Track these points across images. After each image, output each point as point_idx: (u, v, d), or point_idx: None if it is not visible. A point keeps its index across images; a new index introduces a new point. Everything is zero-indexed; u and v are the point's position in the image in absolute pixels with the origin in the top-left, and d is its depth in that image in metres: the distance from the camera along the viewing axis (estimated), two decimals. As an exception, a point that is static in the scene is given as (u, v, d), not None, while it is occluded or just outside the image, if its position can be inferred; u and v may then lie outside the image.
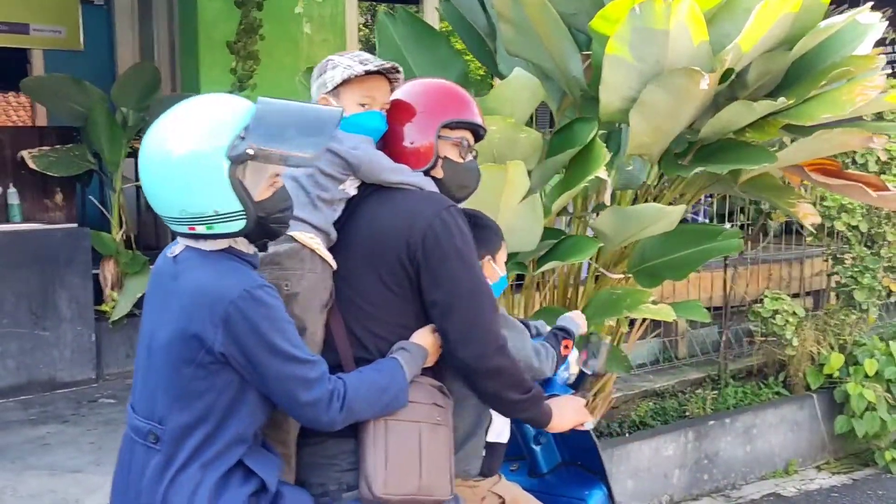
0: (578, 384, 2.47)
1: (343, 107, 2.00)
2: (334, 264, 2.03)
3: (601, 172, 3.11)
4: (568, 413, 2.22)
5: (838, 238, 5.15)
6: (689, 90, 3.06)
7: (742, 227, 5.31)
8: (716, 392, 5.02)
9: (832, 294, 5.44)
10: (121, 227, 5.37)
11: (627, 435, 4.44)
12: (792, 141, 3.65)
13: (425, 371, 2.04)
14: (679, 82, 3.04)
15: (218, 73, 5.80)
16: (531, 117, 3.51)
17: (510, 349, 2.06)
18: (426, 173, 2.10)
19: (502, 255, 2.35)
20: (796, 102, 3.31)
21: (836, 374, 5.12)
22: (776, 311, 4.88)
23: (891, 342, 5.12)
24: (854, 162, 5.09)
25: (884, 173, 5.18)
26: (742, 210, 5.36)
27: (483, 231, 2.25)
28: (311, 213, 2.03)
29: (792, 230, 6.02)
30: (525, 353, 2.27)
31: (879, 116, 5.51)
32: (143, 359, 1.90)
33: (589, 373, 2.46)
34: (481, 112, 2.20)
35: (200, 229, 1.81)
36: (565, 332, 2.46)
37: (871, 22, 3.49)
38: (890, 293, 5.35)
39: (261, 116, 1.77)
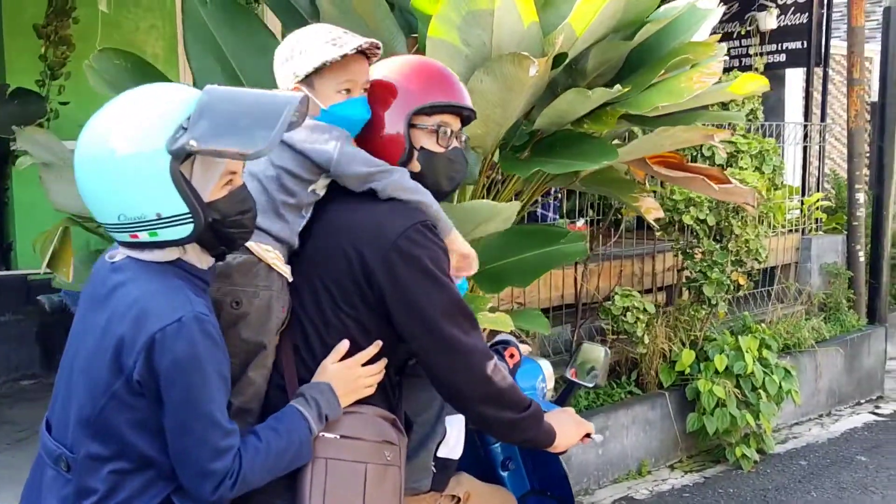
0: (565, 398, 2.31)
1: (320, 97, 1.82)
2: (290, 277, 1.81)
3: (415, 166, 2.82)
4: (569, 427, 2.04)
5: (688, 232, 5.07)
6: (519, 77, 2.81)
7: (592, 222, 5.17)
8: (568, 394, 4.85)
9: (683, 289, 5.36)
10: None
11: (474, 445, 4.19)
12: (644, 132, 3.49)
13: (376, 400, 1.86)
14: (508, 69, 2.78)
15: (27, 61, 5.23)
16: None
17: (499, 366, 1.87)
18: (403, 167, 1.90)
19: None
20: (635, 91, 3.12)
21: (688, 370, 5.04)
22: (627, 309, 4.74)
23: (739, 337, 5.09)
24: (702, 155, 5.02)
25: (730, 165, 5.14)
26: (592, 205, 5.21)
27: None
28: (272, 221, 1.79)
29: (644, 225, 5.93)
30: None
31: (724, 107, 5.50)
32: (66, 371, 1.68)
33: (590, 385, 2.30)
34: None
35: (143, 236, 1.58)
36: (504, 343, 2.26)
37: (709, 8, 3.35)
38: (739, 287, 5.32)
39: (206, 106, 1.54)
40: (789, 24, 6.94)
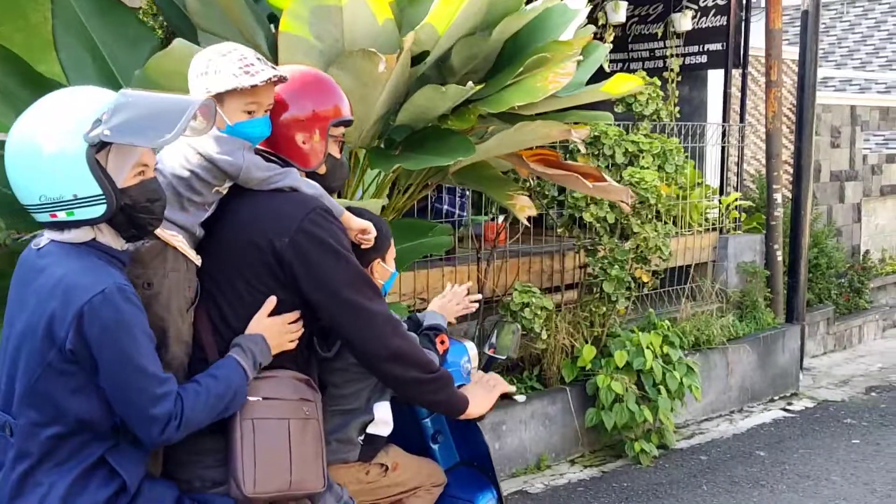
0: (486, 370, 2.50)
1: (227, 113, 2.04)
2: (198, 261, 2.04)
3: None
4: (481, 394, 2.28)
5: (591, 230, 5.13)
6: (374, 73, 2.85)
7: (493, 218, 5.22)
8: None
9: (587, 286, 5.42)
10: None
11: (363, 439, 4.22)
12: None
13: (292, 365, 2.09)
14: (360, 65, 2.82)
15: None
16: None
17: (404, 331, 2.12)
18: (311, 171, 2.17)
19: (391, 254, 2.37)
20: (493, 89, 3.17)
21: (590, 366, 5.11)
22: (525, 305, 4.79)
23: (641, 333, 5.16)
24: (603, 154, 5.09)
25: (631, 164, 5.21)
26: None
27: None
28: (177, 212, 2.02)
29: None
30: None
31: (628, 107, 5.56)
32: (3, 349, 1.87)
33: (502, 358, 2.51)
34: None
35: (61, 215, 1.78)
36: (436, 329, 2.46)
37: (578, 7, 3.40)
38: (642, 284, 5.39)
39: (121, 104, 1.77)
40: (710, 25, 7.04)
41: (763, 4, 6.92)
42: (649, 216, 5.03)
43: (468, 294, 2.64)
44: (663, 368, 5.12)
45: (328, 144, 2.19)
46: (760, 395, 6.63)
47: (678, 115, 6.71)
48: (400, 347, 2.09)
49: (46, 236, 1.86)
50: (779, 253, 7.19)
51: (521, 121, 3.24)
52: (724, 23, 6.89)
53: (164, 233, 1.97)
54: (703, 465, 5.20)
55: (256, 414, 1.98)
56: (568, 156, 5.18)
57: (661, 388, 5.10)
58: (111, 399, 1.78)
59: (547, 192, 5.18)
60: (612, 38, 6.11)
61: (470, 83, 2.96)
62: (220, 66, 2.05)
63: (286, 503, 2.03)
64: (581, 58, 3.09)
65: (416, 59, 3.08)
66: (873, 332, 9.08)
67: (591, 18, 6.38)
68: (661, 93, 5.58)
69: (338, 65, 2.83)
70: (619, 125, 5.24)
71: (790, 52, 7.80)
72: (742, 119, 7.07)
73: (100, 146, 1.76)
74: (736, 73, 7.08)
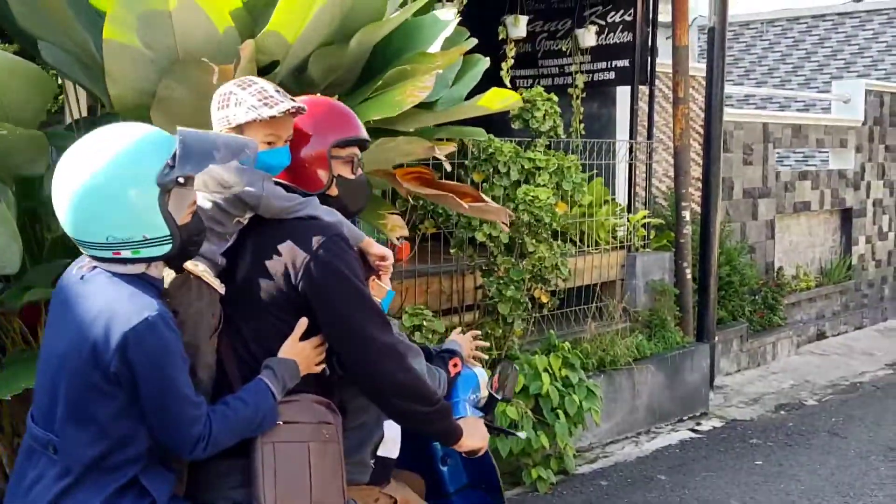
0: (489, 408, 2.54)
1: None
2: (222, 290, 2.11)
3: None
4: (476, 433, 2.34)
5: (488, 250, 4.97)
6: (212, 84, 2.63)
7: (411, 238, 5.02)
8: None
9: (485, 308, 5.25)
10: None
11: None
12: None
13: (312, 388, 2.15)
14: (196, 75, 2.60)
15: None
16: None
17: (409, 364, 2.17)
18: (323, 194, 2.23)
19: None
20: (354, 102, 2.98)
21: (486, 390, 4.92)
22: (416, 328, 4.60)
23: (537, 356, 5.00)
24: (497, 171, 4.93)
25: (528, 181, 5.06)
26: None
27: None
28: (204, 245, 2.06)
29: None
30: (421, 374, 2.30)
31: (526, 123, 5.42)
32: (43, 372, 1.97)
33: (499, 398, 2.55)
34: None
35: (126, 254, 1.88)
36: (451, 353, 2.53)
37: (447, 19, 3.24)
38: (542, 305, 5.25)
39: (185, 146, 1.87)
40: (617, 42, 6.98)
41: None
42: (544, 235, 4.88)
43: (475, 340, 2.70)
44: (562, 392, 4.97)
45: (333, 165, 2.24)
46: (669, 416, 6.54)
47: (583, 132, 6.61)
48: (404, 382, 2.15)
49: (90, 264, 1.95)
50: (688, 270, 7.13)
51: (385, 136, 3.06)
52: (631, 39, 6.83)
53: (189, 263, 2.07)
54: (603, 490, 5.06)
55: (277, 437, 2.06)
56: (463, 172, 5.03)
57: (560, 412, 4.94)
58: (148, 419, 1.90)
59: (441, 211, 5.00)
60: (513, 53, 5.99)
61: (318, 96, 2.77)
62: (240, 98, 2.14)
63: None
64: (440, 71, 2.91)
65: (267, 69, 2.87)
66: (787, 349, 9.10)
67: (492, 33, 6.26)
68: (559, 109, 5.45)
69: (171, 75, 2.61)
70: (514, 141, 5.11)
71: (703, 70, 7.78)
72: (650, 136, 7.01)
73: (170, 187, 1.87)
74: (645, 90, 7.02)
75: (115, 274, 1.92)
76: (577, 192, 5.15)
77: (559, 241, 5.14)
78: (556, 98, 5.45)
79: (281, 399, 2.08)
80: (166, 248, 1.90)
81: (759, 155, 9.10)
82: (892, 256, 11.73)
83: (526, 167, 4.98)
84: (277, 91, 2.16)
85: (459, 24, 3.40)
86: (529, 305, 5.00)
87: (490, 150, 4.89)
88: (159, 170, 1.85)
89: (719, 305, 8.14)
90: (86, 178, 1.83)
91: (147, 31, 2.55)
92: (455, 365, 2.51)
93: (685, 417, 6.66)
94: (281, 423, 2.07)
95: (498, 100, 3.53)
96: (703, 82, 7.11)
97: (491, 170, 4.93)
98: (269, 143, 2.14)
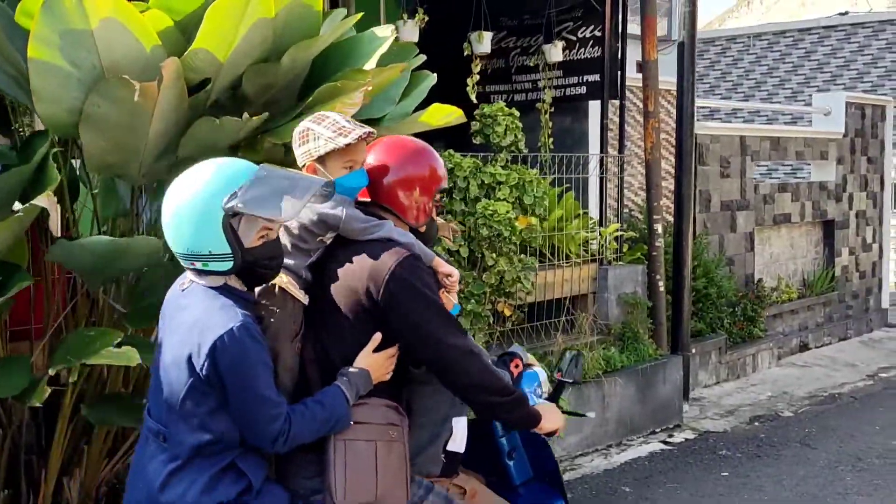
0: (556, 396, 2.80)
1: (329, 171, 2.39)
2: (305, 300, 2.38)
3: (41, 199, 2.65)
4: (553, 416, 2.59)
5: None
6: (140, 102, 2.68)
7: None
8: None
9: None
10: None
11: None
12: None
13: (382, 393, 2.38)
14: (121, 93, 2.64)
15: None
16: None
17: (485, 361, 2.44)
18: (414, 227, 2.53)
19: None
20: (286, 119, 3.02)
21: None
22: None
23: (498, 369, 5.02)
24: (456, 186, 4.97)
25: (488, 196, 5.10)
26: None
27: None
28: (288, 257, 2.36)
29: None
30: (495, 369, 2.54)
31: (486, 138, 5.46)
32: (155, 374, 2.28)
33: (569, 381, 2.81)
34: None
35: (198, 265, 2.18)
36: (511, 356, 2.80)
37: (384, 36, 3.29)
38: (505, 318, 5.27)
39: (258, 179, 2.16)
40: (588, 57, 7.03)
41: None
42: (504, 249, 4.91)
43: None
44: (523, 404, 4.98)
45: (432, 207, 2.57)
46: (641, 428, 6.54)
47: (552, 147, 6.65)
48: (482, 378, 2.41)
49: (189, 278, 2.27)
50: (661, 283, 7.15)
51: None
52: (600, 54, 6.88)
53: (278, 278, 2.33)
54: (566, 503, 5.06)
55: (348, 436, 2.31)
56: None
57: (521, 424, 4.95)
58: (234, 417, 2.18)
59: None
60: (478, 69, 6.03)
61: (245, 115, 2.82)
62: (317, 133, 2.41)
63: None
64: (369, 88, 2.95)
65: (199, 87, 2.92)
66: (767, 361, 9.10)
67: (458, 49, 6.32)
68: (520, 124, 5.50)
69: (97, 92, 2.65)
70: (480, 157, 5.16)
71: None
72: (621, 149, 7.05)
73: (233, 213, 2.12)
74: (618, 104, 7.07)
75: (208, 287, 2.22)
76: (539, 205, 5.18)
77: (523, 255, 5.16)
78: (517, 113, 5.50)
79: (354, 402, 2.34)
80: (228, 265, 2.17)
81: (737, 168, 9.13)
82: (877, 268, 11.75)
83: (486, 182, 5.01)
84: (348, 121, 2.44)
85: (426, 41, 3.45)
86: (492, 319, 5.02)
87: (449, 166, 4.93)
88: (224, 198, 2.13)
89: (697, 318, 8.15)
90: (176, 198, 2.17)
91: (71, 50, 2.60)
92: (517, 366, 2.77)
93: (658, 430, 6.67)
94: (352, 423, 2.32)
95: (440, 115, 3.58)
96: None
97: (451, 185, 4.96)
98: (347, 168, 2.41)
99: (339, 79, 3.06)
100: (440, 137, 6.44)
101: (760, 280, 9.52)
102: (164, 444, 2.23)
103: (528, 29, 7.22)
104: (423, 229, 2.57)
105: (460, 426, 2.61)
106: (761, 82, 15.88)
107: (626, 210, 7.84)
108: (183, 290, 2.27)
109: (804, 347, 10.04)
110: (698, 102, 14.01)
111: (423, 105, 3.60)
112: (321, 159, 2.40)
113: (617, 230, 6.92)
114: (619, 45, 6.94)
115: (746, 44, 16.05)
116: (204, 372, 2.13)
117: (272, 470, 2.37)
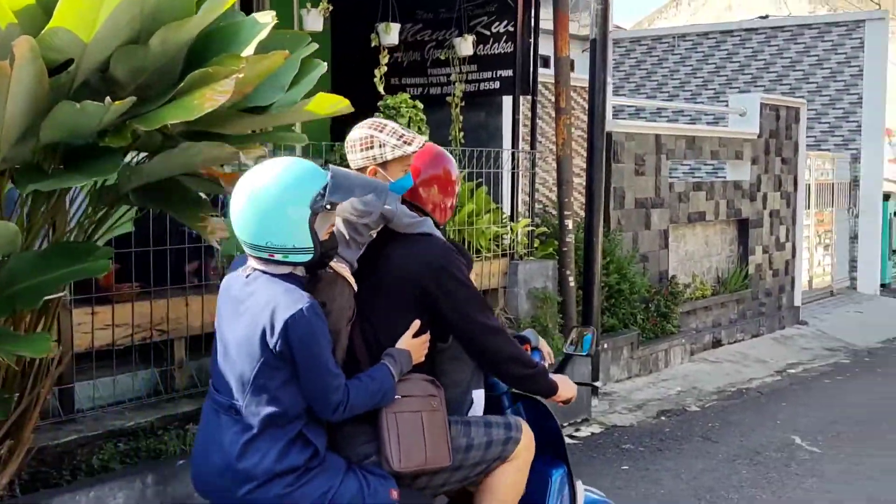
0: (563, 366, 3.27)
1: (389, 173, 2.76)
2: (356, 287, 2.64)
3: None
4: (567, 386, 2.96)
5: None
6: (-8, 81, 2.56)
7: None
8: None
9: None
10: None
11: (65, 484, 3.87)
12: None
13: (420, 368, 2.72)
14: (-29, 72, 2.52)
15: None
16: None
17: (512, 339, 2.89)
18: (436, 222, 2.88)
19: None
20: (155, 105, 2.93)
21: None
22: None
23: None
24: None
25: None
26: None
27: (464, 257, 2.91)
28: (344, 249, 2.63)
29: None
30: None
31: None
32: (221, 353, 2.54)
33: (583, 355, 3.29)
34: None
35: (278, 257, 2.44)
36: (521, 339, 3.16)
37: (265, 22, 3.21)
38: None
39: (335, 181, 2.46)
40: (502, 52, 7.03)
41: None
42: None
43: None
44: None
45: (454, 205, 2.99)
46: (548, 423, 6.57)
47: (463, 141, 6.64)
48: (513, 353, 2.82)
49: (251, 266, 2.53)
50: (571, 278, 7.21)
51: (206, 140, 3.03)
52: (512, 49, 6.89)
53: (337, 265, 2.60)
54: (464, 497, 5.05)
55: (398, 408, 2.63)
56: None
57: (420, 419, 4.92)
58: (303, 387, 2.44)
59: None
60: (386, 61, 5.98)
61: (108, 99, 2.72)
62: (381, 140, 2.78)
63: (424, 475, 2.70)
64: (240, 75, 2.87)
65: (61, 67, 2.81)
66: (680, 356, 9.26)
67: (366, 39, 6.27)
68: (423, 116, 5.47)
69: (-55, 73, 2.52)
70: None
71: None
72: (533, 145, 7.07)
73: (318, 212, 2.42)
74: (521, 100, 7.09)
75: (272, 275, 2.48)
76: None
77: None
78: (420, 105, 5.47)
79: (398, 379, 2.65)
80: (308, 257, 2.46)
81: (652, 166, 9.25)
82: (790, 266, 12.04)
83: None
84: (406, 130, 2.83)
85: (335, 32, 3.38)
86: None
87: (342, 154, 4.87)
88: (313, 197, 2.42)
89: (610, 313, 8.24)
90: (259, 196, 2.43)
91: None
92: (526, 349, 3.10)
93: (566, 424, 6.70)
94: (400, 396, 2.64)
95: (327, 105, 3.51)
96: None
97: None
98: (404, 172, 2.79)
99: (213, 65, 2.98)
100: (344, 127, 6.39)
101: (674, 277, 9.67)
102: (236, 417, 2.47)
103: (443, 22, 7.20)
104: (441, 223, 2.95)
105: (479, 397, 2.96)
106: (686, 82, 16.14)
107: (539, 206, 7.88)
108: (248, 278, 2.52)
109: (717, 344, 10.24)
110: (623, 101, 14.26)
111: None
112: (384, 164, 2.77)
113: (528, 225, 6.95)
114: (532, 40, 6.96)
115: (672, 44, 16.29)
116: (277, 348, 2.39)
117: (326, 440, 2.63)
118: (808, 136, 13.10)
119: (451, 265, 2.74)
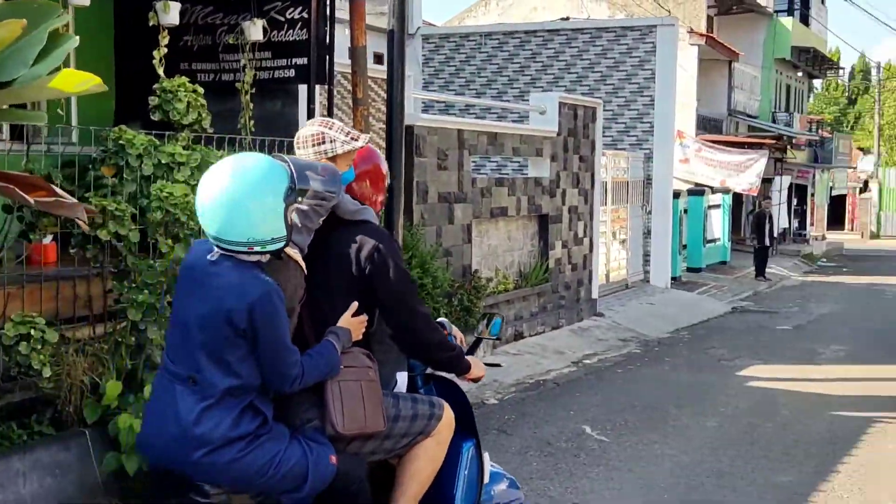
0: (473, 350, 3.51)
1: (338, 167, 3.02)
2: (306, 271, 2.93)
3: None
4: (479, 365, 3.30)
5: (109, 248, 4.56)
6: None
7: (40, 239, 4.47)
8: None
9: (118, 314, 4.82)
10: None
11: None
12: None
13: (358, 343, 3.02)
14: None
15: None
16: None
17: (436, 324, 3.22)
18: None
19: None
20: None
21: (117, 404, 4.52)
22: (23, 337, 4.11)
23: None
24: (128, 165, 4.53)
25: (164, 178, 4.71)
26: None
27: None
28: (296, 235, 2.86)
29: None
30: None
31: (166, 114, 5.06)
32: (179, 327, 2.77)
33: (492, 338, 3.68)
34: None
35: (257, 249, 2.68)
36: (439, 325, 3.32)
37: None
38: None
39: (298, 173, 2.79)
40: (296, 39, 6.77)
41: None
42: (182, 234, 4.55)
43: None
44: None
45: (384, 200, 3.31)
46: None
47: (253, 129, 6.35)
48: (440, 339, 3.14)
49: (217, 252, 2.71)
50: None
51: None
52: (307, 37, 6.65)
53: (290, 250, 2.79)
54: None
55: (340, 377, 2.90)
56: (92, 166, 4.58)
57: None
58: (263, 363, 2.70)
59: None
60: (166, 42, 5.59)
61: None
62: (331, 136, 3.01)
63: (363, 438, 2.96)
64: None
65: None
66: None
67: (143, 18, 5.85)
68: (204, 102, 5.15)
69: None
70: (151, 134, 4.76)
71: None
72: (330, 136, 6.85)
73: (291, 204, 2.69)
74: (316, 89, 6.88)
75: (237, 259, 2.68)
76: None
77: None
78: (201, 90, 5.15)
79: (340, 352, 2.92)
80: (282, 244, 2.69)
81: (455, 160, 9.28)
82: (588, 260, 12.49)
83: (164, 161, 4.62)
84: (351, 129, 3.08)
85: (115, 9, 3.04)
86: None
87: (120, 142, 4.49)
88: (284, 190, 2.66)
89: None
90: (239, 201, 2.61)
91: None
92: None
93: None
94: (343, 367, 2.90)
95: (75, 82, 3.20)
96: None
97: (123, 163, 4.53)
98: (348, 166, 3.05)
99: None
100: (139, 116, 5.94)
101: (477, 271, 9.75)
102: (194, 387, 2.67)
103: (234, 5, 6.83)
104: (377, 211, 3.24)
105: (403, 378, 3.35)
106: (492, 80, 16.43)
107: (339, 199, 7.69)
108: (212, 261, 2.70)
109: (519, 336, 10.44)
110: (428, 95, 14.31)
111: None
112: (334, 158, 3.00)
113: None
114: (328, 28, 6.75)
115: (479, 42, 16.54)
116: (242, 326, 2.62)
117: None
118: (605, 136, 13.65)
119: (391, 251, 3.00)
